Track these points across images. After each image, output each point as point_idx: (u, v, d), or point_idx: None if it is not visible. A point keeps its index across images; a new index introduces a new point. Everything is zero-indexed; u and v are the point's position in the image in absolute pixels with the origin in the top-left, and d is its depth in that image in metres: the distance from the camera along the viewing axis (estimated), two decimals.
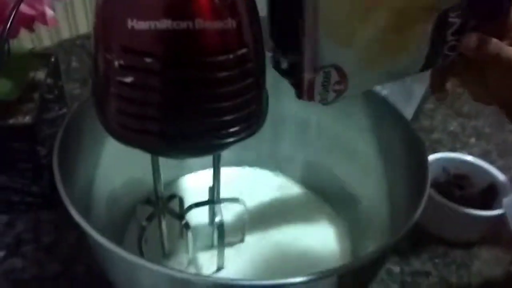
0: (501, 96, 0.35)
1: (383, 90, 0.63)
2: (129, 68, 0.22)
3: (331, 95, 0.30)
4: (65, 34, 1.20)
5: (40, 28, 0.44)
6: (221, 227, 0.33)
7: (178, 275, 0.23)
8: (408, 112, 0.66)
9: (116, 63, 0.22)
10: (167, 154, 0.27)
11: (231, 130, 0.24)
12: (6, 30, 0.34)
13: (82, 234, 0.46)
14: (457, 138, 0.68)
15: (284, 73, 0.30)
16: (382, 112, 0.39)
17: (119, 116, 0.23)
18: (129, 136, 0.24)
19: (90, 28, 0.93)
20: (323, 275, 0.24)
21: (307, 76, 0.29)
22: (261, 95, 0.26)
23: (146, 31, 0.20)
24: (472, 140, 0.68)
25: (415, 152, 0.35)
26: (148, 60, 0.21)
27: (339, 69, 0.30)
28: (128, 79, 0.22)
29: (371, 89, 0.38)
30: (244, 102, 0.24)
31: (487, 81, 0.35)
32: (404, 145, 0.37)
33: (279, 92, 0.32)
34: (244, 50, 0.23)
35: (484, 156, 0.64)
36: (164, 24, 0.20)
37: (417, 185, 0.31)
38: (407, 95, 0.63)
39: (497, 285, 0.46)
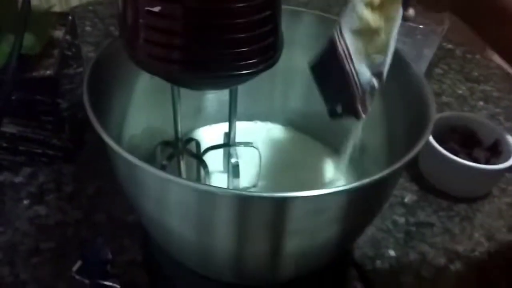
0: None
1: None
2: None
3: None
4: (74, 1, 1.21)
5: None
6: (236, 167, 0.35)
7: (204, 187, 0.25)
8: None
9: None
10: (190, 84, 0.28)
11: (249, 61, 0.26)
12: None
13: (101, 186, 0.49)
14: (465, 102, 0.69)
15: (340, 115, 0.37)
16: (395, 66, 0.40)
17: (146, 46, 0.25)
18: (155, 65, 0.25)
19: None
20: (329, 192, 0.26)
21: (359, 103, 0.35)
22: (277, 29, 0.27)
23: None
24: (480, 103, 0.69)
25: (418, 98, 0.36)
26: None
27: (377, 74, 0.35)
28: (156, 8, 0.23)
29: None
30: (261, 35, 0.25)
31: None
32: (409, 93, 0.38)
33: (290, 48, 0.34)
34: None
35: (491, 118, 0.65)
36: None
37: (420, 126, 0.33)
38: (417, 59, 0.64)
39: (499, 236, 0.48)
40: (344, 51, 0.35)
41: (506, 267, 0.45)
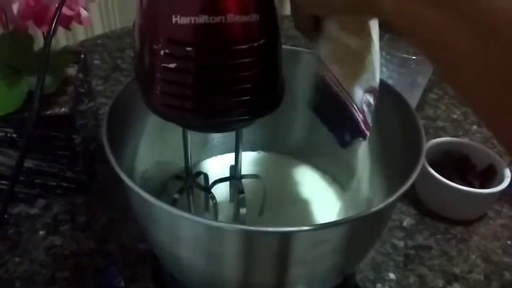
0: None
1: (388, 80, 0.67)
2: (172, 56, 0.26)
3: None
4: (81, 35, 1.25)
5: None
6: (242, 199, 0.38)
7: (213, 223, 0.27)
8: (412, 101, 0.69)
9: (162, 52, 0.26)
10: (200, 128, 0.31)
11: (254, 108, 0.28)
12: (52, 29, 0.39)
13: (113, 215, 0.52)
14: (460, 126, 0.71)
15: (350, 142, 0.38)
16: (382, 95, 0.43)
17: (162, 96, 0.28)
18: (170, 113, 0.28)
19: (107, 29, 0.98)
20: (331, 224, 0.28)
21: (363, 124, 0.37)
22: (279, 78, 0.30)
23: (187, 25, 0.25)
24: (474, 127, 0.71)
25: (411, 128, 0.39)
26: (188, 49, 0.26)
27: (371, 90, 0.36)
28: (172, 65, 0.26)
29: None
30: (265, 84, 0.28)
31: None
32: (402, 123, 0.41)
33: (292, 82, 0.37)
34: (265, 40, 0.27)
35: (485, 142, 0.67)
36: (202, 19, 0.25)
37: (413, 156, 0.35)
38: (411, 86, 0.67)
39: (495, 257, 0.50)
40: (334, 82, 0.35)
41: (502, 287, 0.47)
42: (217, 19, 0.25)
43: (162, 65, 0.26)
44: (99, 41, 0.88)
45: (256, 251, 0.31)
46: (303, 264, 0.32)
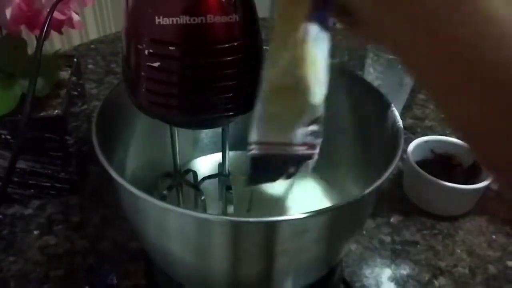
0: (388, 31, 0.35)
1: (376, 81, 0.68)
2: (156, 55, 0.27)
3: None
4: (76, 39, 1.27)
5: (52, 34, 0.49)
6: (229, 195, 0.39)
7: (200, 215, 0.29)
8: (400, 101, 0.71)
9: (146, 51, 0.27)
10: (185, 124, 0.32)
11: (235, 104, 0.30)
12: (44, 33, 0.40)
13: (105, 215, 0.53)
14: (447, 125, 0.73)
15: (294, 173, 0.37)
16: (365, 94, 0.45)
17: (147, 94, 0.29)
18: (156, 110, 0.29)
19: (101, 33, 1.00)
20: (317, 212, 0.29)
21: (305, 152, 0.36)
22: (260, 76, 0.31)
23: (169, 25, 0.26)
24: None
25: (393, 128, 0.40)
26: (171, 48, 0.27)
27: (313, 121, 0.36)
28: (156, 64, 0.27)
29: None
30: (247, 81, 0.30)
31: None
32: (384, 122, 0.42)
33: None
34: (246, 39, 0.28)
35: None
36: (183, 19, 0.26)
37: (393, 148, 0.36)
38: (398, 86, 0.69)
39: (480, 251, 0.51)
40: (264, 150, 0.35)
41: (487, 280, 0.48)
42: (198, 19, 0.26)
43: (147, 64, 0.28)
44: (92, 46, 0.89)
45: (242, 242, 0.32)
46: (287, 254, 0.33)
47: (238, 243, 0.33)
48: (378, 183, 0.31)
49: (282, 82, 0.33)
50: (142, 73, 0.28)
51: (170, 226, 0.33)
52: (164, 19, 0.26)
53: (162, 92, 0.29)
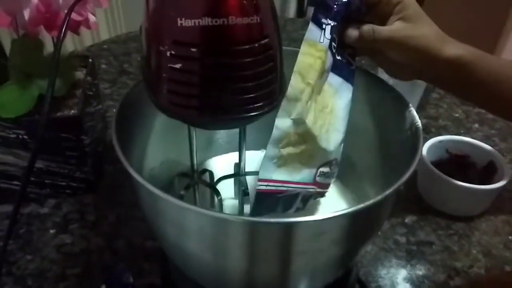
0: (409, 66, 0.43)
1: (389, 80, 0.68)
2: (178, 57, 0.28)
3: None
4: (88, 40, 1.28)
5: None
6: (246, 194, 0.39)
7: (219, 215, 0.29)
8: (414, 101, 0.70)
9: (168, 53, 0.28)
10: (205, 125, 0.33)
11: (256, 105, 0.30)
12: (62, 34, 0.40)
13: (121, 214, 0.53)
14: (461, 124, 0.72)
15: (303, 208, 0.41)
16: (383, 94, 0.45)
17: (169, 95, 0.29)
18: (177, 111, 0.30)
19: (112, 34, 1.01)
20: (336, 215, 0.29)
21: (316, 194, 0.41)
22: (280, 76, 0.32)
23: (192, 27, 0.26)
24: (476, 125, 0.72)
25: (411, 128, 0.40)
26: (193, 49, 0.27)
27: (325, 164, 0.40)
28: (178, 65, 0.28)
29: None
30: (266, 82, 0.30)
31: (391, 59, 0.41)
32: (402, 122, 0.42)
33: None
34: (266, 40, 0.29)
35: (486, 140, 0.68)
36: (205, 21, 0.26)
37: (412, 149, 0.36)
38: (412, 86, 0.68)
39: (496, 252, 0.51)
40: (272, 187, 0.37)
41: (503, 281, 0.48)
42: (220, 21, 0.26)
43: (169, 65, 0.28)
44: (105, 46, 0.90)
45: (260, 242, 0.32)
46: (304, 256, 0.33)
47: (256, 243, 0.33)
48: (397, 184, 0.31)
49: (294, 130, 0.34)
50: (164, 75, 0.28)
51: (188, 226, 0.33)
52: (187, 20, 0.26)
53: (183, 93, 0.29)
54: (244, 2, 0.27)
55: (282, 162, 0.37)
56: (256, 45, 0.28)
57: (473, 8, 1.63)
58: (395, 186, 0.31)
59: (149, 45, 0.29)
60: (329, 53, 0.39)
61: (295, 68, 0.36)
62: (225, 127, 0.39)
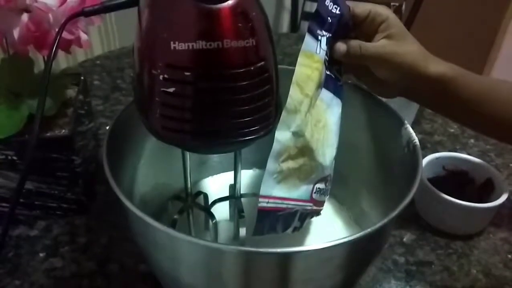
0: (394, 83, 0.43)
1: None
2: (171, 80, 0.27)
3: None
4: (80, 56, 1.27)
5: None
6: (242, 218, 0.38)
7: (212, 245, 0.28)
8: (409, 116, 0.70)
9: (161, 76, 0.27)
10: (199, 150, 0.32)
11: (252, 129, 0.29)
12: (53, 53, 0.40)
13: (113, 236, 0.52)
14: (457, 140, 0.72)
15: (301, 226, 0.41)
16: (378, 112, 0.44)
17: (161, 119, 0.28)
18: (170, 136, 0.29)
19: (106, 49, 1.00)
20: (330, 244, 0.28)
21: (311, 208, 0.40)
22: (276, 99, 0.31)
23: (185, 50, 0.26)
24: (471, 141, 0.72)
25: (408, 145, 0.39)
26: (187, 73, 0.26)
27: (320, 180, 0.40)
28: (171, 89, 0.27)
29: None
30: (263, 105, 0.29)
31: (376, 76, 0.41)
32: (398, 139, 0.41)
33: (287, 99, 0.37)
34: (262, 63, 0.28)
35: (482, 155, 0.68)
36: (200, 44, 0.25)
37: (411, 171, 0.36)
38: (407, 103, 0.68)
39: (495, 272, 0.50)
40: (271, 204, 0.37)
41: None
42: (214, 44, 0.25)
43: (161, 89, 0.27)
44: (98, 62, 0.89)
45: (255, 271, 0.31)
46: (303, 284, 0.32)
47: (251, 272, 0.32)
48: (399, 208, 0.30)
49: (293, 144, 0.34)
50: (156, 98, 0.28)
51: (181, 255, 0.32)
52: (180, 44, 0.25)
53: (177, 118, 0.28)
54: (239, 24, 0.26)
55: (281, 177, 0.36)
56: (252, 68, 0.27)
57: (465, 22, 1.65)
58: (400, 207, 0.30)
59: (141, 67, 0.28)
60: (323, 68, 0.38)
61: (293, 80, 0.35)
62: (220, 152, 0.38)
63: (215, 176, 0.52)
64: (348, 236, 0.28)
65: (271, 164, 0.35)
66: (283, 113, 0.33)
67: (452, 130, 0.74)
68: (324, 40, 0.38)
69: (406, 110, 0.68)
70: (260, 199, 0.36)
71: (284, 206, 0.37)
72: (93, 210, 0.55)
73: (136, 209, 0.29)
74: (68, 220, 0.54)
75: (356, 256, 0.32)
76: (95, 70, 0.86)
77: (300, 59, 0.36)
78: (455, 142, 0.71)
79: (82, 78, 0.58)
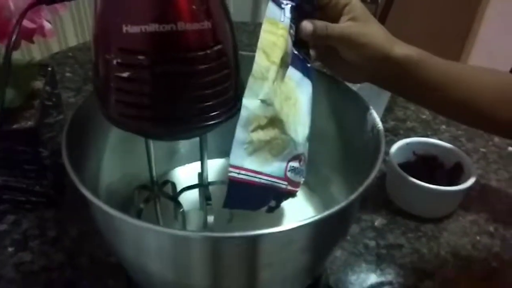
0: (360, 66, 0.43)
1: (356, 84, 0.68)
2: (125, 65, 0.26)
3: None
4: (55, 47, 1.24)
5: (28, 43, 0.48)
6: (209, 205, 0.38)
7: (176, 233, 0.27)
8: (381, 103, 0.71)
9: (114, 61, 0.26)
10: (160, 136, 0.31)
11: (213, 114, 0.29)
12: (12, 43, 0.39)
13: (83, 228, 0.51)
14: (429, 126, 0.73)
15: (277, 206, 0.40)
16: (344, 98, 0.44)
17: (118, 106, 0.28)
18: (127, 122, 0.28)
19: (81, 40, 0.98)
20: (301, 224, 0.28)
21: (288, 190, 0.40)
22: (237, 84, 0.31)
23: (138, 33, 0.25)
24: (443, 127, 0.73)
25: (372, 130, 0.40)
26: (140, 57, 0.26)
27: (294, 158, 0.39)
28: (125, 74, 0.26)
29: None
30: (222, 90, 0.29)
31: (343, 60, 0.42)
32: (364, 125, 0.41)
33: None
34: (219, 46, 0.28)
35: (453, 141, 0.69)
36: (152, 27, 0.25)
37: (375, 155, 0.36)
38: (379, 88, 0.68)
39: (464, 253, 0.51)
40: (244, 176, 0.36)
41: (472, 282, 0.48)
42: (168, 27, 0.25)
43: (116, 74, 0.27)
44: (70, 54, 0.87)
45: (224, 257, 0.31)
46: (271, 267, 0.32)
47: (220, 258, 0.31)
48: (360, 190, 0.31)
49: (263, 113, 0.33)
50: (111, 84, 0.27)
51: (147, 244, 0.31)
52: (132, 27, 0.25)
53: (133, 104, 0.27)
54: (194, 7, 0.25)
55: (252, 149, 0.36)
56: (209, 51, 0.27)
57: (442, 10, 1.67)
58: (359, 190, 0.31)
59: (96, 53, 0.28)
60: (289, 38, 0.38)
61: (258, 45, 0.35)
62: (181, 138, 0.37)
63: (186, 165, 0.52)
64: (308, 218, 0.29)
65: (239, 133, 0.34)
66: (250, 79, 0.33)
67: (424, 117, 0.75)
68: (288, 8, 0.38)
69: (378, 98, 0.68)
70: (231, 169, 0.35)
71: (256, 180, 0.37)
72: (63, 203, 0.54)
73: (97, 199, 0.29)
74: (38, 214, 0.53)
75: (317, 239, 0.32)
76: (67, 62, 0.84)
77: (264, 26, 0.36)
78: (427, 128, 0.72)
79: (49, 69, 0.57)
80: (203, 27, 0.26)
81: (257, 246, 0.31)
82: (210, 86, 0.28)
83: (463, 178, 0.55)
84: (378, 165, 0.33)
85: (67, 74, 0.81)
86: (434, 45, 0.45)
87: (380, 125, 0.38)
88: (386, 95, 0.70)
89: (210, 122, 0.29)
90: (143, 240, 0.31)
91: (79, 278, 0.46)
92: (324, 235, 0.33)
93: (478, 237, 0.53)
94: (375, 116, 0.39)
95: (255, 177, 0.36)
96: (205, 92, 0.28)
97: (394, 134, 0.70)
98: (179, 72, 0.27)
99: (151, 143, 0.35)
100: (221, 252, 0.31)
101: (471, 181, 0.53)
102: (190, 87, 0.27)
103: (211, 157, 0.40)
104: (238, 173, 0.35)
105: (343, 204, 0.30)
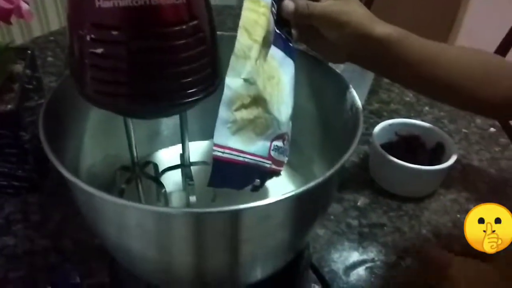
0: (341, 45, 0.43)
1: (339, 66, 0.68)
2: (99, 41, 0.26)
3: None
4: (37, 31, 1.22)
5: (11, 26, 0.47)
6: (191, 185, 0.38)
7: (157, 209, 0.27)
8: (365, 85, 0.71)
9: (88, 37, 0.26)
10: (137, 114, 0.31)
11: (190, 91, 0.29)
12: None
13: (67, 213, 0.51)
14: (412, 108, 0.74)
15: (261, 185, 0.40)
16: (325, 76, 0.45)
17: (93, 83, 0.28)
18: (103, 100, 0.28)
19: (63, 24, 0.97)
20: (279, 198, 0.29)
21: (272, 169, 0.39)
22: (215, 60, 0.31)
23: (111, 8, 0.25)
24: (426, 108, 0.74)
25: (351, 109, 0.40)
26: (114, 33, 0.25)
27: (278, 137, 0.39)
28: (99, 50, 0.26)
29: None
30: (199, 67, 0.29)
31: (324, 39, 0.43)
32: (343, 103, 0.42)
33: None
34: (195, 22, 0.27)
35: (436, 122, 0.70)
36: (125, 1, 0.25)
37: (354, 131, 0.36)
38: (364, 72, 0.69)
39: (445, 231, 0.52)
40: (229, 155, 0.36)
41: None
42: (141, 1, 0.25)
43: (90, 50, 0.26)
44: (52, 38, 0.86)
45: (205, 233, 0.31)
46: (252, 242, 0.33)
47: (201, 234, 0.32)
48: (336, 167, 0.31)
49: (246, 92, 0.33)
50: (86, 61, 0.27)
51: (128, 223, 0.31)
52: (105, 1, 0.25)
53: (108, 80, 0.27)
54: None
55: (236, 128, 0.36)
56: (184, 27, 0.27)
57: (425, 4, 1.67)
58: (336, 167, 0.31)
59: (70, 30, 0.27)
60: (271, 17, 0.38)
61: (240, 24, 0.35)
62: (159, 116, 0.37)
63: (169, 147, 0.52)
64: (285, 193, 0.29)
65: (223, 112, 0.34)
66: (232, 58, 0.33)
67: (407, 99, 0.76)
68: None
69: (361, 79, 0.69)
70: (215, 148, 0.35)
71: (240, 159, 0.37)
72: (46, 187, 0.54)
73: (76, 179, 0.29)
74: (21, 198, 0.53)
75: (297, 214, 0.33)
76: (49, 46, 0.83)
77: (245, 4, 0.36)
78: (411, 110, 0.73)
79: (29, 52, 0.56)
80: (177, 1, 0.26)
81: (237, 221, 0.31)
82: (186, 63, 0.28)
83: (444, 157, 0.56)
84: (356, 142, 0.33)
85: (49, 59, 0.80)
86: (419, 33, 0.45)
87: (359, 103, 0.38)
88: (369, 77, 0.70)
89: (188, 100, 0.29)
90: (124, 218, 0.31)
91: (63, 261, 0.46)
92: (303, 210, 0.34)
93: (458, 215, 0.54)
94: (354, 94, 0.40)
95: (239, 156, 0.37)
96: (182, 69, 0.28)
97: (378, 116, 0.70)
98: (154, 48, 0.27)
99: (131, 122, 0.35)
100: (202, 228, 0.31)
101: (452, 160, 0.54)
102: (166, 63, 0.27)
103: (193, 139, 0.40)
104: (223, 152, 0.35)
105: (319, 180, 0.31)
